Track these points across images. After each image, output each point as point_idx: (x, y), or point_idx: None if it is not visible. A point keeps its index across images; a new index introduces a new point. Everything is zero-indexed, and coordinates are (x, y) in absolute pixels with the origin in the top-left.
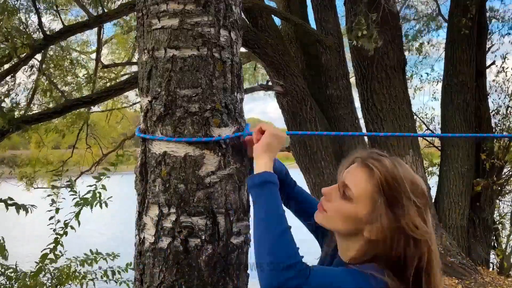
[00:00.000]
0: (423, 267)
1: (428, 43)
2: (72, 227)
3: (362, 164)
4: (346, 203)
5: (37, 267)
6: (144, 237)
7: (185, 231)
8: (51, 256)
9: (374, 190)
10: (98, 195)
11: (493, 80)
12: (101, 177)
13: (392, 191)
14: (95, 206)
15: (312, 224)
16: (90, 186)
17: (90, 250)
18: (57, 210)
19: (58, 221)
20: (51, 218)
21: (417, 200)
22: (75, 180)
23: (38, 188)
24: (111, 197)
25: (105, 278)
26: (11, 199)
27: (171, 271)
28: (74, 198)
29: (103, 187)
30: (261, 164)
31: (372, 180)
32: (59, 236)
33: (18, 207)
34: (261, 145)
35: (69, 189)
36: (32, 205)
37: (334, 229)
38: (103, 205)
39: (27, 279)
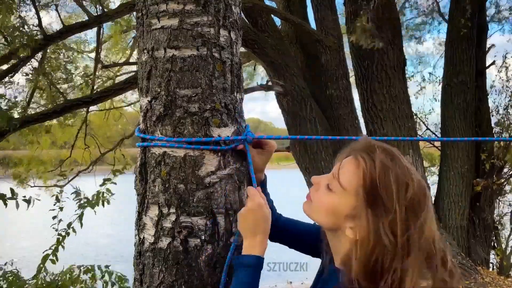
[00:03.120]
0: (396, 278)
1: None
2: (73, 230)
3: (353, 156)
4: (330, 194)
5: (38, 268)
6: (143, 237)
7: (185, 231)
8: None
9: (359, 185)
10: (101, 197)
11: (493, 80)
12: (106, 182)
13: (374, 189)
14: (97, 206)
15: (309, 245)
16: (100, 186)
17: (99, 267)
18: (61, 208)
19: (61, 220)
20: (54, 217)
21: (403, 207)
22: (72, 179)
23: (35, 186)
24: (114, 194)
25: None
26: (13, 192)
27: (170, 271)
28: (77, 202)
29: (108, 191)
30: (246, 246)
31: (357, 174)
32: (60, 237)
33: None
34: (239, 226)
35: (75, 195)
36: (35, 199)
37: (317, 221)
38: (105, 203)
39: (28, 281)
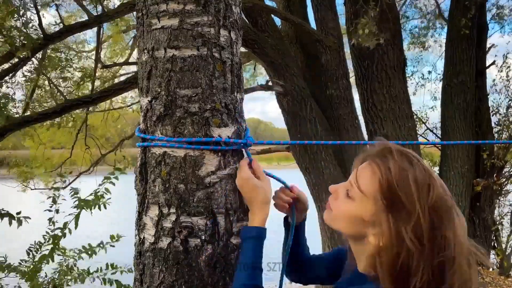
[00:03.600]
0: (426, 281)
1: (433, 39)
2: (70, 231)
3: (369, 162)
4: (349, 202)
5: (35, 266)
6: (144, 237)
7: (185, 231)
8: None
9: (376, 191)
10: (99, 197)
11: (493, 80)
12: (106, 181)
13: (392, 193)
14: (94, 208)
15: (328, 275)
16: (95, 190)
17: (89, 244)
18: (57, 210)
19: (56, 221)
20: (50, 219)
21: (424, 209)
22: (73, 181)
23: (35, 189)
24: (110, 198)
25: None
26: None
27: (171, 271)
28: (75, 201)
29: (107, 190)
30: (249, 219)
31: (373, 180)
32: (56, 239)
33: (12, 217)
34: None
35: (72, 194)
36: (25, 217)
37: (338, 229)
38: (101, 207)
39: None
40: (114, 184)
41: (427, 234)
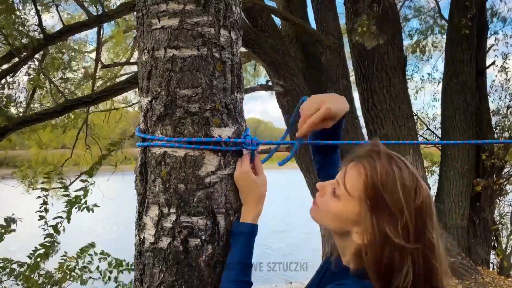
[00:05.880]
0: (410, 280)
1: (432, 44)
2: (63, 228)
3: (356, 162)
4: (335, 200)
5: (32, 266)
6: (144, 237)
7: (185, 231)
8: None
9: (361, 191)
10: (86, 193)
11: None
12: (93, 172)
13: (377, 194)
14: (81, 211)
15: None
16: (83, 181)
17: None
18: (46, 210)
19: (48, 221)
20: (41, 218)
21: (411, 211)
22: (73, 182)
23: (36, 189)
24: (99, 202)
25: (105, 279)
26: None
27: (171, 271)
28: (65, 197)
29: (91, 184)
30: (241, 214)
31: (359, 180)
32: (51, 236)
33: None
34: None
35: (63, 190)
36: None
37: (324, 225)
38: (101, 204)
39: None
40: (92, 176)
41: (413, 235)
